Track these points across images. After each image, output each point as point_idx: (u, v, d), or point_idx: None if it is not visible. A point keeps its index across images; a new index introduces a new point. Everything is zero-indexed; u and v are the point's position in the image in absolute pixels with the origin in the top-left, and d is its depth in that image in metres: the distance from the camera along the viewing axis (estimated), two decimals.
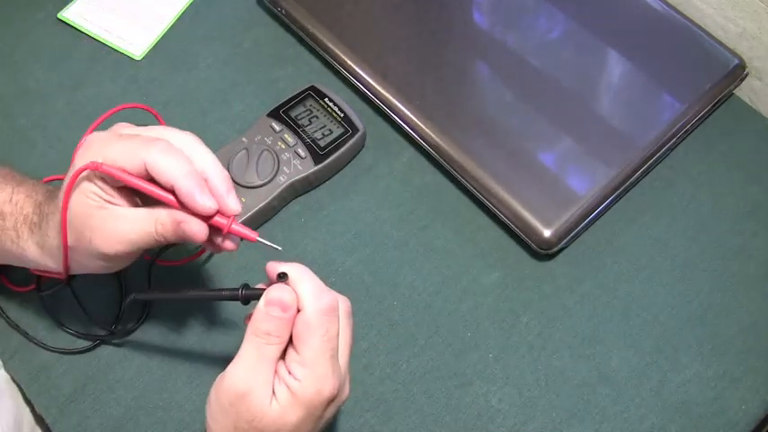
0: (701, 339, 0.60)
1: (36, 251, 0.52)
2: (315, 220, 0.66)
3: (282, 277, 0.45)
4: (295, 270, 0.46)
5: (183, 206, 0.46)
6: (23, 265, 0.54)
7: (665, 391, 0.59)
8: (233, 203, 0.47)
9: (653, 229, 0.65)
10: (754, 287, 0.62)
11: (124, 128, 0.48)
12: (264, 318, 0.44)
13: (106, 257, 0.48)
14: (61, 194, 0.48)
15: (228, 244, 0.49)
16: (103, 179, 0.46)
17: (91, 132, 0.52)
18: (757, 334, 0.61)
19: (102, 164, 0.45)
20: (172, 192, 0.46)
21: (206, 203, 0.45)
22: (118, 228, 0.47)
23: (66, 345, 0.61)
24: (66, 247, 0.49)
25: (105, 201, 0.47)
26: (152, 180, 0.46)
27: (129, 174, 0.46)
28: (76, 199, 0.47)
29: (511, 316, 0.62)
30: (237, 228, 0.47)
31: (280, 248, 0.45)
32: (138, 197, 0.49)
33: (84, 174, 0.46)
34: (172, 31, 0.75)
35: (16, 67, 0.73)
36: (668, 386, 0.59)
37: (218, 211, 0.46)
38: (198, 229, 0.46)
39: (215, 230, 0.48)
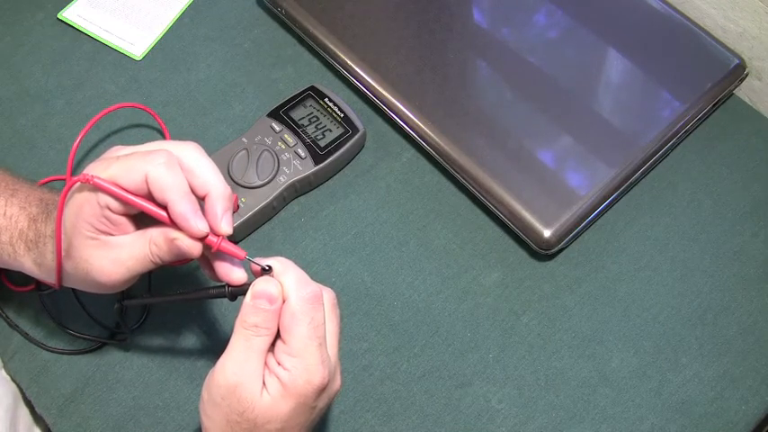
0: (701, 339, 0.60)
1: (34, 268, 0.52)
2: (315, 220, 0.66)
3: (267, 270, 0.46)
4: (279, 263, 0.46)
5: (174, 224, 0.46)
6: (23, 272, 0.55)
7: (665, 391, 0.58)
8: (225, 226, 0.46)
9: (653, 229, 0.65)
10: (754, 287, 0.62)
11: (119, 150, 0.48)
12: (252, 310, 0.45)
13: (105, 286, 0.49)
14: (55, 214, 0.48)
15: (225, 270, 0.49)
16: (99, 204, 0.46)
17: (88, 130, 0.52)
18: (757, 334, 0.61)
19: (93, 177, 0.45)
20: (165, 208, 0.46)
21: (198, 226, 0.45)
22: (112, 257, 0.47)
23: (66, 345, 0.61)
24: (59, 268, 0.49)
25: (99, 231, 0.47)
26: (148, 195, 0.46)
27: (122, 188, 0.45)
28: (72, 225, 0.47)
29: (511, 316, 0.62)
30: (227, 246, 0.47)
31: (269, 267, 0.46)
32: (134, 224, 0.48)
33: (83, 198, 0.46)
34: (172, 31, 0.75)
35: (16, 68, 0.74)
36: (668, 386, 0.59)
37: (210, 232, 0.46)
38: (191, 245, 0.46)
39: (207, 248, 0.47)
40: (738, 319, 0.61)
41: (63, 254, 0.48)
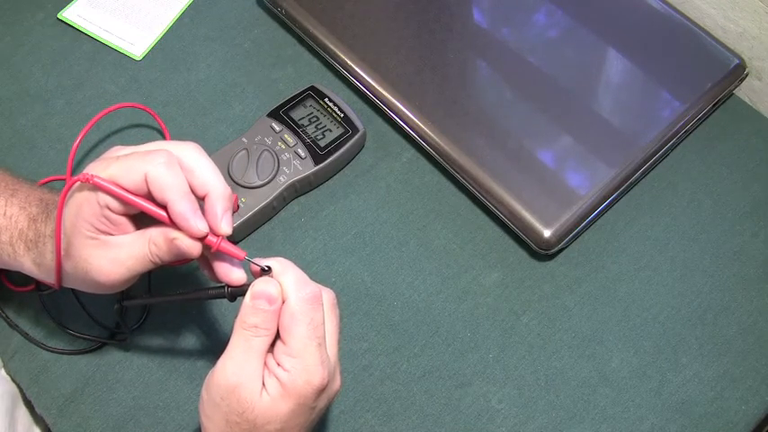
0: (701, 339, 0.60)
1: (33, 268, 0.52)
2: (315, 220, 0.66)
3: (267, 271, 0.46)
4: (278, 263, 0.46)
5: (174, 224, 0.46)
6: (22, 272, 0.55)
7: (665, 391, 0.59)
8: (225, 226, 0.46)
9: (653, 229, 0.65)
10: (754, 287, 0.62)
11: (120, 150, 0.48)
12: (251, 311, 0.45)
13: (104, 286, 0.49)
14: (55, 213, 0.48)
15: (225, 270, 0.48)
16: (99, 204, 0.46)
17: (88, 130, 0.53)
18: (757, 334, 0.61)
19: (93, 176, 0.45)
20: (165, 208, 0.46)
21: (198, 226, 0.45)
22: (111, 257, 0.47)
23: (66, 345, 0.61)
24: (59, 268, 0.49)
25: (99, 231, 0.47)
26: (148, 194, 0.46)
27: (122, 188, 0.45)
28: (72, 224, 0.47)
29: (511, 316, 0.62)
30: (227, 246, 0.47)
31: (268, 268, 0.46)
32: (134, 224, 0.48)
33: (83, 197, 0.46)
34: (172, 31, 0.75)
35: (16, 68, 0.74)
36: (668, 386, 0.59)
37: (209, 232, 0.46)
38: (191, 245, 0.46)
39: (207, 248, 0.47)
40: (738, 319, 0.61)
41: (62, 254, 0.48)
